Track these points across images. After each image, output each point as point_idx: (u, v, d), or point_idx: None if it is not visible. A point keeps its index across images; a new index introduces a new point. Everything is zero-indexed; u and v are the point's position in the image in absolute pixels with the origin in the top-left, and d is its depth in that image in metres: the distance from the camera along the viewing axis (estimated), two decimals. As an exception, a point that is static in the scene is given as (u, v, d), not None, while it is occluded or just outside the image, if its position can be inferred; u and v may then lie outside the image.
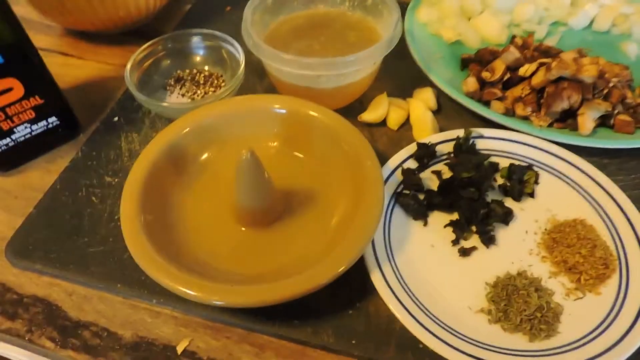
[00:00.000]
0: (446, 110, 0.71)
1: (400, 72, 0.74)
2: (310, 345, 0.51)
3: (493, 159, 0.62)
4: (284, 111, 0.60)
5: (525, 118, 0.66)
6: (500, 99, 0.67)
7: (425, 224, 0.58)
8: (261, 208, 0.54)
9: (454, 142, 0.62)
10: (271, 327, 0.52)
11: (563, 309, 0.51)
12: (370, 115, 0.68)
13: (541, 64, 0.66)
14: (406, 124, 0.69)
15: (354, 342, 0.51)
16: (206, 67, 0.74)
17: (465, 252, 0.55)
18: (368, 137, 0.67)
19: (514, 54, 0.66)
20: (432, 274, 0.54)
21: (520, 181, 0.60)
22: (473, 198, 0.57)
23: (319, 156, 0.60)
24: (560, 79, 0.64)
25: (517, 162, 0.62)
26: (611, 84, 0.64)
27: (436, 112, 0.70)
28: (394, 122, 0.68)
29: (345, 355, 0.51)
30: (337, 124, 0.58)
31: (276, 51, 0.61)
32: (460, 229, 0.57)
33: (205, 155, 0.60)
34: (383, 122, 0.69)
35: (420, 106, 0.68)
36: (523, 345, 0.49)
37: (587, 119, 0.62)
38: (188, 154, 0.59)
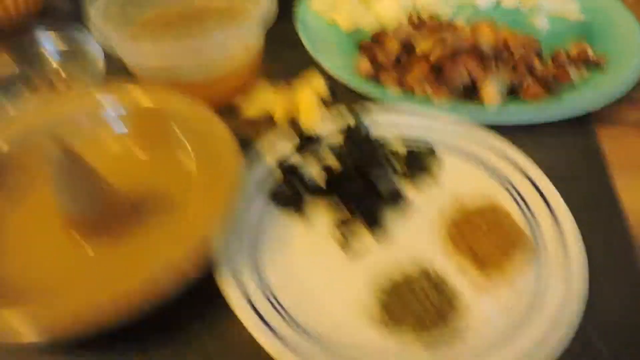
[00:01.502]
0: (343, 101, 0.62)
1: (291, 62, 0.66)
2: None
3: (390, 146, 0.53)
4: (122, 110, 0.51)
5: (426, 98, 0.58)
6: (397, 80, 0.59)
7: (309, 224, 0.48)
8: (92, 214, 0.43)
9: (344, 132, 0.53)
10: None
11: (470, 309, 0.41)
12: (253, 109, 0.59)
13: (438, 40, 0.58)
14: (295, 116, 0.60)
15: (207, 374, 0.39)
16: (62, 70, 0.64)
17: (354, 252, 0.45)
18: (252, 135, 0.58)
19: (405, 28, 0.58)
20: (313, 282, 0.44)
21: (421, 167, 0.51)
22: (363, 190, 0.47)
23: (172, 154, 0.50)
24: (459, 53, 0.57)
25: (417, 147, 0.53)
26: (516, 55, 0.57)
27: (331, 103, 0.62)
28: (281, 115, 0.59)
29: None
30: (189, 114, 0.49)
31: (125, 39, 0.52)
32: (349, 226, 0.47)
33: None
34: (271, 117, 0.60)
35: (309, 96, 0.59)
36: (422, 356, 0.38)
37: (491, 90, 0.54)
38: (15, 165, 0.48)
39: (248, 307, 0.40)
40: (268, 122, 0.60)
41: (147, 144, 0.51)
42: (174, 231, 0.44)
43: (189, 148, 0.50)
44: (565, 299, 0.39)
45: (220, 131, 0.47)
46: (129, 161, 0.51)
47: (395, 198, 0.47)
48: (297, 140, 0.52)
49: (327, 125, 0.55)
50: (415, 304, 0.40)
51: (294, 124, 0.56)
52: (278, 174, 0.50)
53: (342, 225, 0.47)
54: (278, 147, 0.52)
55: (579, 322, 0.39)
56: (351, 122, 0.54)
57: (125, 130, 0.52)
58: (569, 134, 0.56)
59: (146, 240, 0.45)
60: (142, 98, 0.51)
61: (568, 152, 0.55)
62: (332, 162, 0.51)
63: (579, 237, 0.43)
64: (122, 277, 0.38)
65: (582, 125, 0.57)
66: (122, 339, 0.41)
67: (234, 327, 0.41)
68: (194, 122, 0.49)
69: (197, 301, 0.43)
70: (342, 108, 0.57)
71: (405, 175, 0.51)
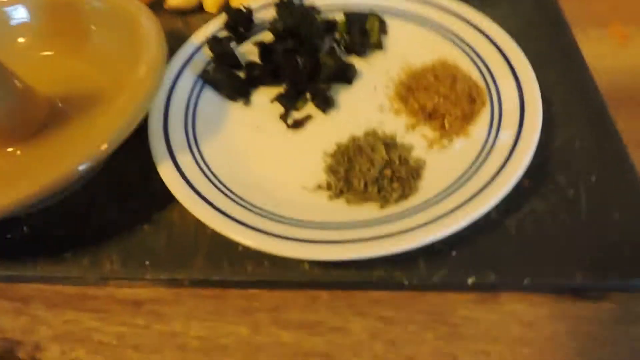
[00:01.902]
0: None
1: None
2: (91, 282, 0.36)
3: (328, 14, 0.48)
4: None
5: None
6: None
7: (247, 103, 0.44)
8: (9, 120, 0.38)
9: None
10: (33, 269, 0.36)
11: (425, 163, 0.38)
12: (177, -1, 0.53)
13: None
14: (228, 4, 0.54)
15: (147, 263, 0.36)
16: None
17: (297, 125, 0.42)
18: (182, 28, 0.53)
19: None
20: (256, 159, 0.40)
21: (363, 32, 0.46)
22: (297, 56, 0.43)
23: (93, 47, 0.45)
24: None
25: (357, 12, 0.48)
26: None
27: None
28: (211, 3, 0.53)
29: (137, 280, 0.36)
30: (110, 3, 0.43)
31: None
32: (288, 98, 0.43)
33: None
34: (199, 7, 0.54)
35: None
36: (375, 214, 0.35)
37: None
38: None
39: (187, 187, 0.36)
40: (199, 13, 0.54)
41: (62, 38, 0.45)
42: (96, 123, 0.40)
43: (109, 38, 0.44)
44: (518, 143, 0.36)
45: (144, 20, 0.42)
46: (49, 61, 0.46)
47: (339, 69, 0.43)
48: (227, 19, 0.47)
49: (257, 3, 0.50)
50: (363, 162, 0.37)
51: (225, 9, 0.50)
52: (209, 53, 0.45)
53: (282, 97, 0.43)
54: (209, 29, 0.47)
55: (539, 162, 0.37)
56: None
57: (38, 23, 0.45)
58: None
59: (70, 135, 0.40)
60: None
61: (521, 7, 0.51)
62: (266, 36, 0.47)
63: (534, 77, 0.40)
64: (48, 169, 0.34)
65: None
66: (72, 247, 0.37)
67: (179, 214, 0.37)
68: (116, 11, 0.43)
69: (138, 194, 0.39)
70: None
71: (347, 43, 0.46)
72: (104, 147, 0.34)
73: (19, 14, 0.44)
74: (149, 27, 0.40)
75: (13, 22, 0.44)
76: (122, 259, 0.36)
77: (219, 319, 0.34)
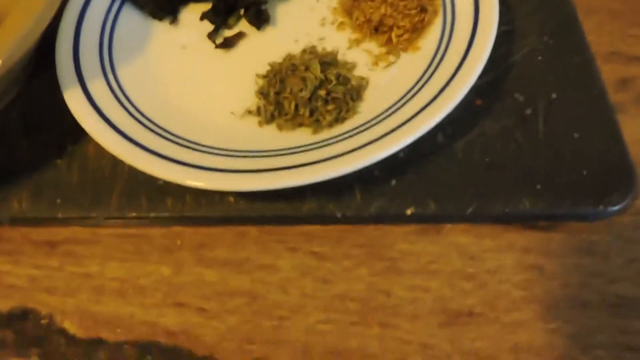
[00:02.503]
0: None
1: None
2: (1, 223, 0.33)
3: None
4: None
5: None
6: None
7: (174, 21, 0.39)
8: None
9: None
10: None
11: (368, 83, 0.34)
12: None
13: None
14: None
15: (58, 201, 0.32)
16: None
17: (227, 44, 0.37)
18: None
19: None
20: (181, 83, 0.36)
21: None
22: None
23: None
24: None
25: None
26: None
27: None
28: None
29: (48, 221, 0.32)
30: None
31: None
32: (217, 14, 0.38)
33: None
34: None
35: None
36: (307, 139, 0.31)
37: None
38: None
39: (96, 116, 0.32)
40: None
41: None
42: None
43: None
44: (470, 54, 0.32)
45: None
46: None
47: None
48: None
49: None
50: (295, 83, 0.33)
51: None
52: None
53: (210, 13, 0.38)
54: None
55: (494, 77, 0.33)
56: None
57: None
58: None
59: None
60: None
61: None
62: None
63: None
64: None
65: None
66: None
67: (94, 148, 0.34)
68: None
69: (51, 126, 0.35)
70: None
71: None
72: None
73: None
74: None
75: None
76: (32, 198, 0.33)
77: (139, 258, 0.32)
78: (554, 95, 0.33)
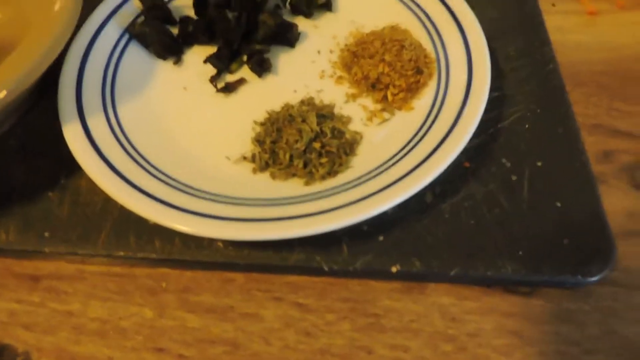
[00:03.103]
0: None
1: None
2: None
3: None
4: None
5: None
6: None
7: (178, 62, 0.40)
8: None
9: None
10: None
11: (362, 138, 0.35)
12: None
13: None
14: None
15: (47, 234, 0.32)
16: None
17: (228, 89, 0.38)
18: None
19: None
20: (178, 124, 0.36)
21: (310, -9, 0.42)
22: (229, 12, 0.38)
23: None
24: None
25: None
26: None
27: None
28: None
29: (34, 253, 0.32)
30: None
31: None
32: (221, 59, 0.39)
33: None
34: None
35: None
36: (299, 190, 0.32)
37: None
38: None
39: (92, 152, 0.33)
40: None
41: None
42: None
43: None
44: (462, 118, 0.33)
45: None
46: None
47: (280, 29, 0.39)
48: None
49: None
50: (291, 133, 0.34)
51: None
52: (139, 4, 0.41)
53: (214, 57, 0.39)
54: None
55: (482, 141, 0.34)
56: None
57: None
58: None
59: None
60: None
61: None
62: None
63: (486, 50, 0.36)
64: None
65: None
66: None
67: (87, 181, 0.34)
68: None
69: (47, 156, 0.36)
70: None
71: (293, 1, 0.42)
72: (2, 94, 0.30)
73: None
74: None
75: None
76: (20, 229, 0.33)
77: (122, 299, 0.31)
78: (539, 163, 0.34)
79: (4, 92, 0.30)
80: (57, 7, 0.34)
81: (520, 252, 0.31)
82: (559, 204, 0.33)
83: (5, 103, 0.30)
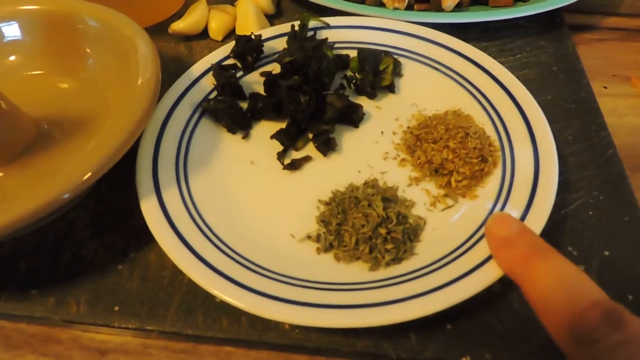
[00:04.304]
0: (288, 14, 0.55)
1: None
2: (50, 323, 0.34)
3: (344, 53, 0.46)
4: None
5: (380, 4, 0.51)
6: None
7: (246, 136, 0.42)
8: None
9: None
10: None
11: (425, 223, 0.35)
12: (184, 22, 0.51)
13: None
14: (234, 33, 0.53)
15: (116, 309, 0.33)
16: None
17: (293, 166, 0.39)
18: (185, 53, 0.51)
19: None
20: (245, 199, 0.37)
21: (375, 72, 0.44)
22: (300, 94, 0.40)
23: (82, 69, 0.43)
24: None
25: (369, 50, 0.45)
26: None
27: (275, 17, 0.55)
28: (216, 30, 0.52)
29: (103, 327, 0.33)
30: (107, 25, 0.41)
31: None
32: (288, 136, 0.40)
33: None
34: (204, 33, 0.53)
35: (248, 5, 0.52)
36: (363, 275, 0.32)
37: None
38: None
39: (168, 227, 0.34)
40: (203, 39, 0.53)
41: (54, 58, 0.43)
42: (82, 149, 0.38)
43: (102, 60, 0.42)
44: (528, 215, 0.33)
45: (140, 43, 0.39)
46: (38, 81, 0.44)
47: (345, 110, 0.41)
48: (235, 46, 0.45)
49: (268, 33, 0.48)
50: (358, 217, 0.34)
51: (235, 36, 0.48)
52: (212, 82, 0.43)
53: (281, 134, 0.40)
54: (215, 57, 0.45)
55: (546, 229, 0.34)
56: (296, 28, 0.47)
57: (31, 41, 0.44)
58: (540, 38, 0.50)
59: (54, 160, 0.38)
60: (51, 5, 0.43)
61: (540, 57, 0.48)
62: (276, 67, 0.44)
63: (553, 146, 0.37)
64: (26, 197, 0.31)
65: (554, 29, 0.51)
66: (39, 283, 0.35)
67: (156, 256, 0.35)
68: (112, 33, 0.41)
69: (119, 228, 0.37)
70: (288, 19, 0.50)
71: (357, 83, 0.44)
72: (87, 176, 0.32)
73: (12, 31, 0.42)
74: (145, 51, 0.38)
75: (5, 40, 0.42)
76: (91, 302, 0.33)
77: (187, 377, 0.31)
78: (606, 253, 0.34)
79: (89, 174, 0.32)
80: (134, 97, 0.36)
81: (595, 349, 0.30)
82: (630, 297, 0.32)
83: (90, 183, 0.32)
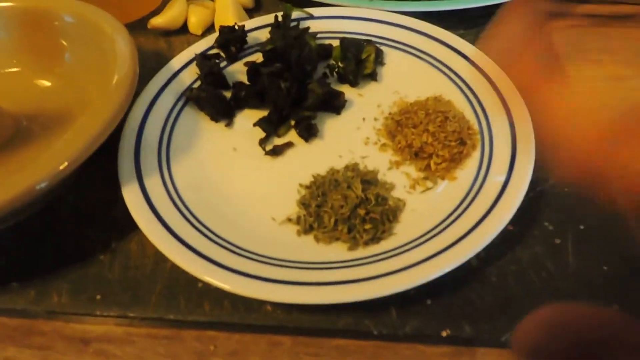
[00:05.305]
0: (267, 7, 0.56)
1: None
2: (32, 315, 0.33)
3: (326, 42, 0.47)
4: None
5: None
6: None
7: (229, 124, 0.42)
8: None
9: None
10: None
11: (405, 205, 0.36)
12: (163, 18, 0.51)
13: None
14: (213, 28, 0.53)
15: (98, 297, 0.33)
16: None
17: (275, 152, 0.39)
18: (165, 48, 0.51)
19: None
20: (227, 184, 0.38)
21: (358, 60, 0.44)
22: (281, 81, 0.40)
23: (60, 65, 0.43)
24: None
25: (352, 39, 0.46)
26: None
27: (254, 10, 0.55)
28: (196, 24, 0.52)
29: (85, 316, 0.33)
30: (83, 19, 0.41)
31: None
32: (270, 123, 0.41)
33: None
34: (184, 28, 0.53)
35: (228, 3, 0.52)
36: (342, 255, 0.33)
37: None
38: None
39: (150, 213, 0.34)
40: (182, 35, 0.53)
41: (31, 54, 0.44)
42: (57, 144, 0.38)
43: (79, 56, 0.42)
44: (504, 192, 0.34)
45: (117, 38, 0.39)
46: (16, 78, 0.44)
47: (327, 97, 0.41)
48: (219, 37, 0.46)
49: (252, 24, 0.48)
50: (337, 198, 0.35)
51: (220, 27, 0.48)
52: (195, 72, 0.44)
53: (264, 122, 0.41)
54: (197, 48, 0.46)
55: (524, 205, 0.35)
56: (279, 19, 0.47)
57: (6, 39, 0.44)
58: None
59: (32, 154, 0.38)
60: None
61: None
62: (259, 57, 0.45)
63: (529, 122, 0.37)
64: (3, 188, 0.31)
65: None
66: (20, 275, 0.34)
67: (137, 245, 0.35)
68: (89, 28, 0.41)
69: (100, 218, 0.37)
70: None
71: (340, 71, 0.44)
72: (63, 166, 0.32)
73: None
74: (122, 46, 0.38)
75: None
76: (72, 292, 0.33)
77: (171, 362, 0.31)
78: (581, 227, 0.35)
79: (65, 164, 0.32)
80: (110, 90, 0.36)
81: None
82: (605, 268, 0.33)
83: (67, 173, 0.32)
